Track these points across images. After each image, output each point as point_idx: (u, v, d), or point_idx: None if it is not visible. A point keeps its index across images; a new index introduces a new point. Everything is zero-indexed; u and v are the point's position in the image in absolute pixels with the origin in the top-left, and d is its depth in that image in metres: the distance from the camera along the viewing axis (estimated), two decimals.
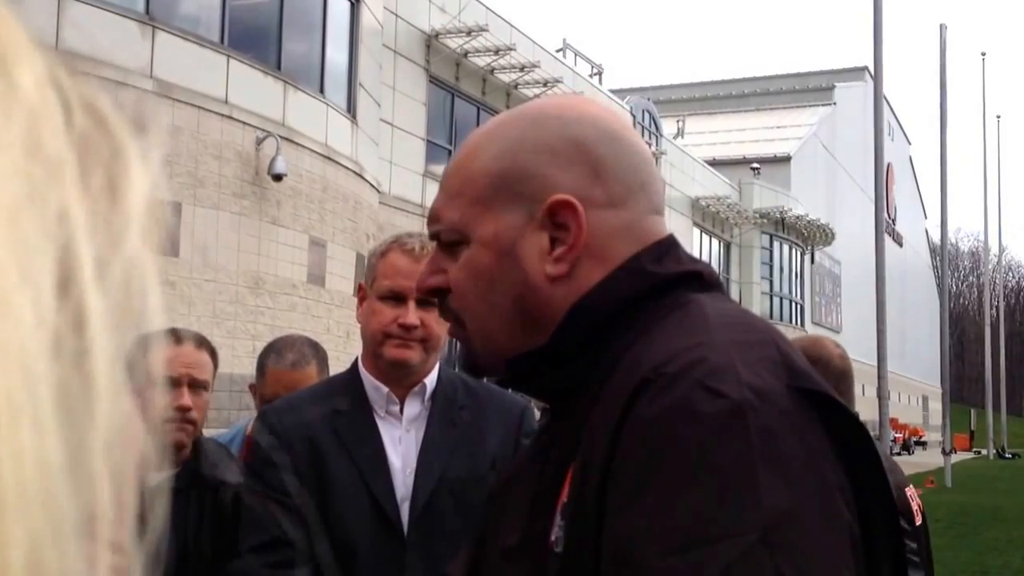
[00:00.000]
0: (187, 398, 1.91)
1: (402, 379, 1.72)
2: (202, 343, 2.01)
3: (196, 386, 1.94)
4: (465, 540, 1.52)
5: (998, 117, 40.22)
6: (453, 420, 1.73)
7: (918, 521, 2.07)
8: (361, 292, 1.76)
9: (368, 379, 1.73)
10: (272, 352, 2.33)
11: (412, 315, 1.67)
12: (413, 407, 1.73)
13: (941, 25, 21.52)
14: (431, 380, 1.75)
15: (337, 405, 1.72)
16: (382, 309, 1.69)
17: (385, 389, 1.72)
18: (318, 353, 2.33)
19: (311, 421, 1.69)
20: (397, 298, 1.68)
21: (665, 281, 0.82)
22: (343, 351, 11.31)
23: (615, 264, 0.82)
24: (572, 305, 0.81)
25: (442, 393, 1.75)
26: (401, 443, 1.71)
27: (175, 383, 1.91)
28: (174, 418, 1.91)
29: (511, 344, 0.85)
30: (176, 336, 1.98)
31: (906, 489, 2.07)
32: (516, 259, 0.83)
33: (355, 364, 1.79)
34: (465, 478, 1.69)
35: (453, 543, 1.57)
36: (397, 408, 1.72)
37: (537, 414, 1.90)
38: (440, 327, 1.70)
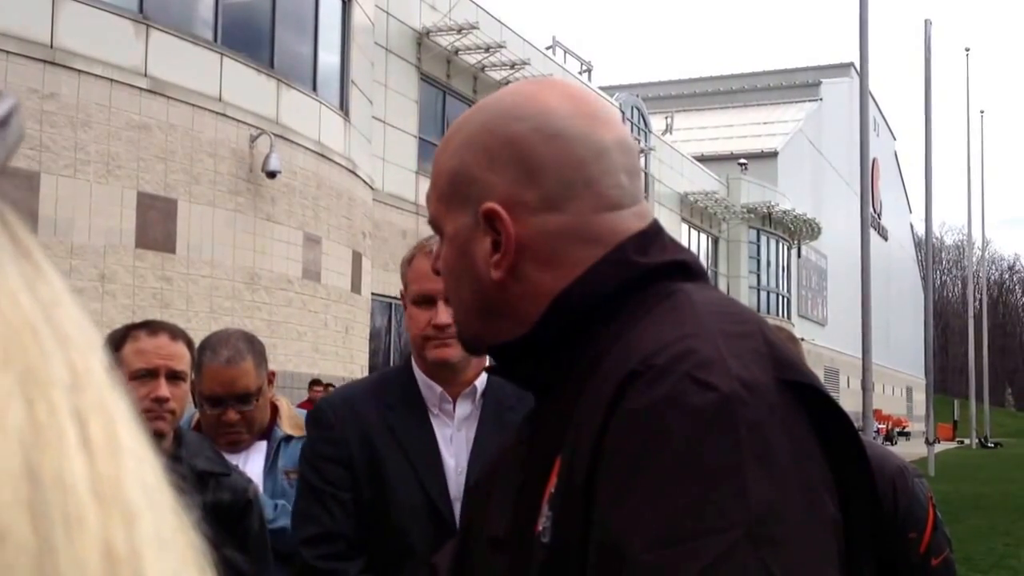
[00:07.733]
0: (165, 389, 1.94)
1: (451, 378, 1.76)
2: (178, 334, 2.02)
3: (174, 377, 1.97)
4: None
5: (982, 112, 40.67)
6: (503, 421, 1.74)
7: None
8: (403, 299, 1.82)
9: (422, 377, 1.78)
10: (207, 349, 2.28)
11: (443, 315, 1.70)
12: (464, 407, 1.77)
13: (926, 21, 21.68)
14: (481, 382, 1.78)
15: (391, 401, 1.76)
16: (417, 313, 1.75)
17: (439, 388, 1.76)
18: (254, 347, 2.29)
19: (366, 416, 1.74)
20: (428, 300, 1.73)
21: (650, 271, 0.80)
22: (342, 346, 11.43)
23: (565, 266, 0.81)
24: (556, 296, 0.80)
25: (492, 394, 1.78)
26: (452, 442, 1.75)
27: (153, 374, 1.94)
28: (153, 409, 1.93)
29: (487, 332, 0.86)
30: (152, 328, 2.01)
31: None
32: (470, 259, 0.84)
33: (408, 361, 1.83)
34: None
35: None
36: (450, 407, 1.76)
37: None
38: None
